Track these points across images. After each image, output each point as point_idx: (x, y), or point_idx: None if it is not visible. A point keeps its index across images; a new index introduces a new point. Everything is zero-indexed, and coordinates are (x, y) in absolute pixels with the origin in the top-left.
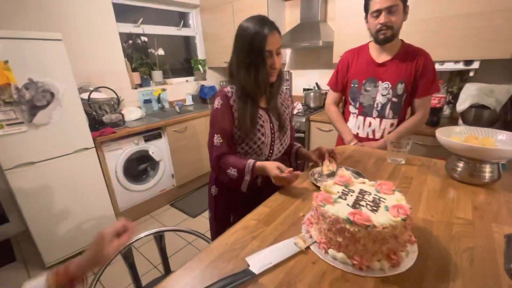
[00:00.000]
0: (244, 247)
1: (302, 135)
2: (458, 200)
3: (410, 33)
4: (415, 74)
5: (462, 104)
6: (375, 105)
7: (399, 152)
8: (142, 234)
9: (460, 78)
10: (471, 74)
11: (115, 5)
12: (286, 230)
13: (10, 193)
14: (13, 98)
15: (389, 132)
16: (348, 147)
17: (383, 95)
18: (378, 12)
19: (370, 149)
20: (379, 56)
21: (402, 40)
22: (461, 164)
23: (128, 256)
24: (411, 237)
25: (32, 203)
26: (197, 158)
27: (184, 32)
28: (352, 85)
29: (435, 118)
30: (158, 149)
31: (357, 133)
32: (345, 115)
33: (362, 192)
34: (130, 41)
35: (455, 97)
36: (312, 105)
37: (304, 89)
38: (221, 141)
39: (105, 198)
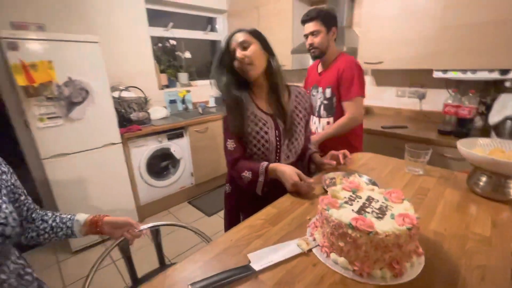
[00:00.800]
0: (248, 244)
1: None
2: (477, 215)
3: (440, 39)
4: (338, 80)
5: (495, 116)
6: (317, 107)
7: (417, 162)
8: (141, 227)
9: (495, 88)
10: (507, 84)
11: (148, 11)
12: (291, 232)
13: (46, 181)
14: (54, 94)
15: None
16: (365, 155)
17: (318, 99)
18: (306, 36)
19: (386, 158)
20: (321, 67)
21: (341, 53)
22: (484, 178)
23: (125, 249)
24: (418, 249)
25: (63, 191)
26: (215, 158)
27: (211, 36)
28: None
29: (464, 130)
30: (180, 147)
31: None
32: None
33: (369, 199)
34: (160, 44)
35: (489, 108)
36: None
37: None
38: (234, 145)
39: (128, 191)
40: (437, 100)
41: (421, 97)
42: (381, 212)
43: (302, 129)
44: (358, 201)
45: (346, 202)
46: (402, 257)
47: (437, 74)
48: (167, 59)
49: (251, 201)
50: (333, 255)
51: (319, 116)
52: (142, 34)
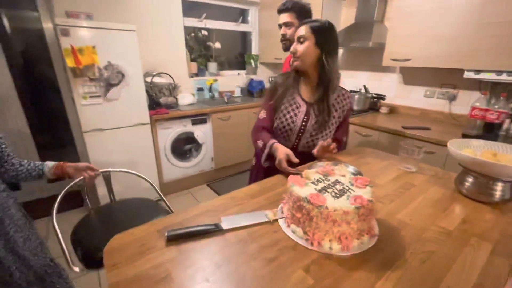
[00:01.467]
0: (225, 210)
1: None
2: (451, 212)
3: (476, 37)
4: None
5: None
6: None
7: (409, 159)
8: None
9: None
10: None
11: (184, 2)
12: (265, 205)
13: (85, 151)
14: (95, 76)
15: None
16: (364, 149)
17: None
18: (280, 26)
19: (385, 154)
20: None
21: None
22: (470, 179)
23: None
24: (372, 230)
25: (97, 161)
26: (235, 146)
27: (242, 27)
28: None
29: (491, 135)
30: (203, 133)
31: None
32: None
33: (335, 182)
34: (193, 34)
35: None
36: (355, 107)
37: (351, 91)
38: (265, 116)
39: (153, 169)
40: (469, 103)
41: (452, 98)
42: (340, 193)
43: (332, 127)
44: (324, 183)
45: (312, 182)
46: (351, 233)
47: (468, 74)
48: (199, 48)
49: (264, 176)
50: (292, 226)
51: None
52: (176, 24)
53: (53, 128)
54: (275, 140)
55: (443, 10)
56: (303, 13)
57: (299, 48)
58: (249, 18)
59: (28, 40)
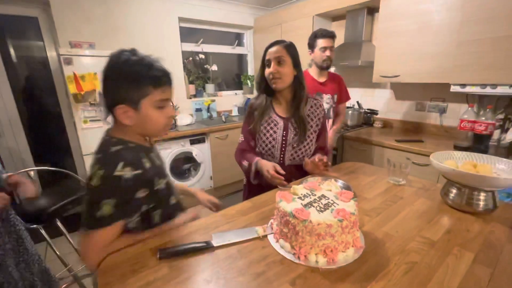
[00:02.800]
0: (217, 227)
1: (334, 152)
2: (436, 223)
3: (458, 54)
4: (340, 88)
5: None
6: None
7: (398, 172)
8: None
9: None
10: None
11: (181, 29)
12: (256, 221)
13: (85, 174)
14: (96, 101)
15: (330, 128)
16: (355, 164)
17: (327, 103)
18: (325, 48)
19: (376, 168)
20: (320, 77)
21: None
22: (454, 190)
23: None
24: (357, 242)
25: None
26: (234, 164)
27: (238, 50)
28: None
29: (481, 146)
30: (201, 152)
31: None
32: None
33: (321, 197)
34: (190, 58)
35: None
36: (349, 123)
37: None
38: (243, 139)
39: None
40: (458, 115)
41: (442, 111)
42: (325, 207)
43: (312, 137)
44: (310, 198)
45: (299, 198)
46: (336, 246)
47: (454, 89)
48: (196, 71)
49: (256, 193)
50: (281, 241)
51: (328, 118)
52: (174, 50)
53: (54, 151)
54: (259, 158)
55: (425, 30)
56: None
57: (280, 69)
58: (244, 41)
59: (32, 67)
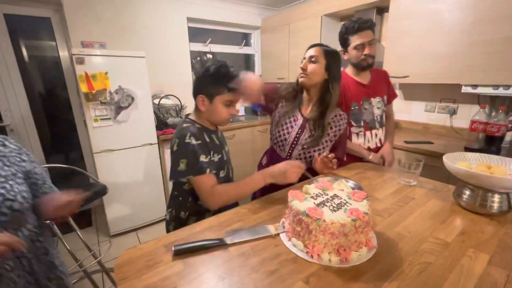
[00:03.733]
0: (229, 225)
1: None
2: (449, 224)
3: (470, 54)
4: (388, 86)
5: None
6: (376, 118)
7: (409, 173)
8: None
9: None
10: None
11: (190, 29)
12: (267, 220)
13: (95, 172)
14: (106, 100)
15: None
16: (364, 165)
17: (378, 108)
18: (361, 45)
19: (385, 169)
20: (364, 79)
21: None
22: (467, 192)
23: None
24: (370, 242)
25: (108, 182)
26: (240, 163)
27: (245, 50)
28: (352, 108)
29: (493, 148)
30: None
31: (369, 147)
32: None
33: (334, 196)
34: (198, 58)
35: None
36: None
37: None
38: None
39: (160, 187)
40: (469, 116)
41: (452, 112)
42: (338, 207)
43: (326, 144)
44: (323, 197)
45: (312, 197)
46: (349, 245)
47: (465, 89)
48: None
49: (266, 192)
50: (293, 239)
51: (382, 125)
52: (183, 49)
53: (64, 149)
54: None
55: (435, 29)
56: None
57: (309, 66)
58: (251, 41)
59: (45, 66)
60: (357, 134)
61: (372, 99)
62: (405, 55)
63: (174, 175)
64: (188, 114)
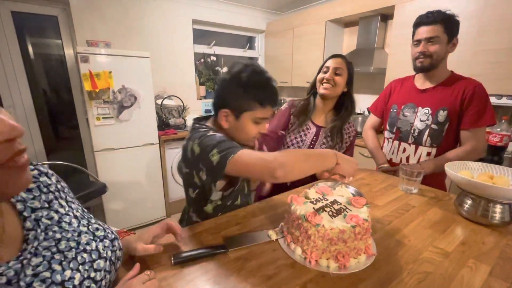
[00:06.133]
0: (226, 228)
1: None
2: (449, 233)
3: (473, 63)
4: (461, 102)
5: None
6: (412, 131)
7: (410, 180)
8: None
9: None
10: None
11: (194, 30)
12: (266, 224)
13: (95, 171)
14: (109, 99)
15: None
16: (364, 171)
17: (421, 121)
18: (418, 42)
19: (386, 176)
20: (423, 84)
21: (452, 71)
22: (469, 201)
23: None
24: (369, 249)
25: (108, 181)
26: None
27: (249, 53)
28: (391, 110)
29: (495, 158)
30: None
31: (391, 159)
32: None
33: (333, 202)
34: (202, 60)
35: None
36: (359, 129)
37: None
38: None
39: (159, 187)
40: None
41: None
42: (337, 212)
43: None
44: (322, 202)
45: (311, 202)
46: (347, 251)
47: None
48: (207, 73)
49: (265, 196)
50: (292, 245)
51: (418, 144)
52: (187, 51)
53: (66, 146)
54: None
55: None
56: (454, 26)
57: (336, 78)
58: (255, 45)
59: (50, 64)
60: (387, 139)
61: (419, 108)
62: (408, 62)
63: (215, 173)
64: (199, 118)
